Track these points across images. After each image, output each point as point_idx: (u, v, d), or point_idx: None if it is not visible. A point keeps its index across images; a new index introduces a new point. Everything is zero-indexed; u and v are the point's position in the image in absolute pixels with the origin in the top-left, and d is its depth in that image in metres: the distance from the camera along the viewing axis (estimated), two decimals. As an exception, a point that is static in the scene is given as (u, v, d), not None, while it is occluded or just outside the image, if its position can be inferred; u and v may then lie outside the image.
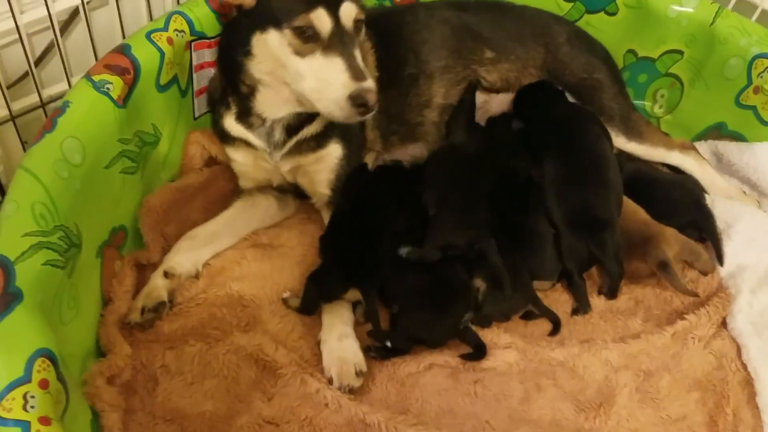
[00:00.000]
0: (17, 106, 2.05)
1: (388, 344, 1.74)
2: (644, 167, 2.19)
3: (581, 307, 1.91)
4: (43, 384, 1.26)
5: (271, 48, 1.69)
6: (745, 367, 1.79)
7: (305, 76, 1.66)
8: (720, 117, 2.32)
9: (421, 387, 1.71)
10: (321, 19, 1.62)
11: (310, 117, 1.86)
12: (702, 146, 2.33)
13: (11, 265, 1.35)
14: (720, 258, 1.97)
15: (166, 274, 1.81)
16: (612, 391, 1.73)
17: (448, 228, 1.85)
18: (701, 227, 2.03)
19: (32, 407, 1.21)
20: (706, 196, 2.13)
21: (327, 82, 1.63)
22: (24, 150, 2.09)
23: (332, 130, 1.90)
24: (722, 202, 2.09)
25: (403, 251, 1.80)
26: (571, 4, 2.39)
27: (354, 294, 1.80)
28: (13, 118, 2.02)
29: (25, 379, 1.23)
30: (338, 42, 1.64)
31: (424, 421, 1.64)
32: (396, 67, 2.06)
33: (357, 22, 1.69)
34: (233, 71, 1.82)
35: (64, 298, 1.50)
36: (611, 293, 1.94)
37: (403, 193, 1.97)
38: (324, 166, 1.94)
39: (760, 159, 2.17)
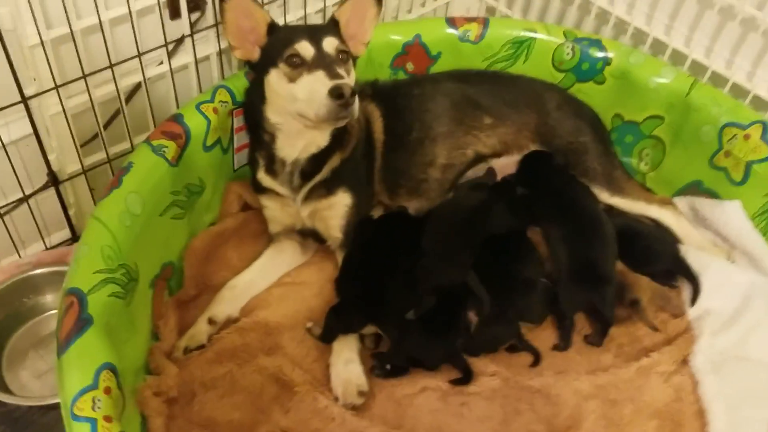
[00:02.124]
0: (88, 161, 2.25)
1: (388, 367, 1.93)
2: (630, 222, 2.33)
3: (564, 344, 2.04)
4: (107, 390, 1.47)
5: (273, 85, 1.90)
6: (699, 400, 1.89)
7: (297, 95, 1.84)
8: (697, 175, 2.43)
9: (415, 407, 1.86)
10: (304, 48, 1.86)
11: (320, 164, 2.05)
12: (681, 201, 2.44)
13: (85, 296, 1.59)
14: (696, 295, 2.12)
15: (209, 321, 2.01)
16: (580, 417, 1.85)
17: (436, 272, 2.00)
18: (681, 275, 2.19)
19: (98, 408, 1.42)
20: (681, 246, 2.27)
21: (312, 90, 1.81)
22: (92, 196, 2.33)
23: (340, 179, 2.09)
24: (694, 252, 2.22)
25: (409, 315, 1.94)
26: (563, 74, 2.55)
27: (370, 328, 1.97)
28: (84, 171, 2.24)
29: (94, 386, 1.45)
30: (320, 61, 1.85)
31: (416, 435, 1.80)
32: (403, 132, 2.25)
33: (340, 52, 1.90)
34: (257, 123, 2.02)
35: (122, 322, 1.70)
36: (599, 341, 2.06)
37: (408, 238, 2.09)
38: (335, 213, 2.12)
39: (729, 215, 2.28)
